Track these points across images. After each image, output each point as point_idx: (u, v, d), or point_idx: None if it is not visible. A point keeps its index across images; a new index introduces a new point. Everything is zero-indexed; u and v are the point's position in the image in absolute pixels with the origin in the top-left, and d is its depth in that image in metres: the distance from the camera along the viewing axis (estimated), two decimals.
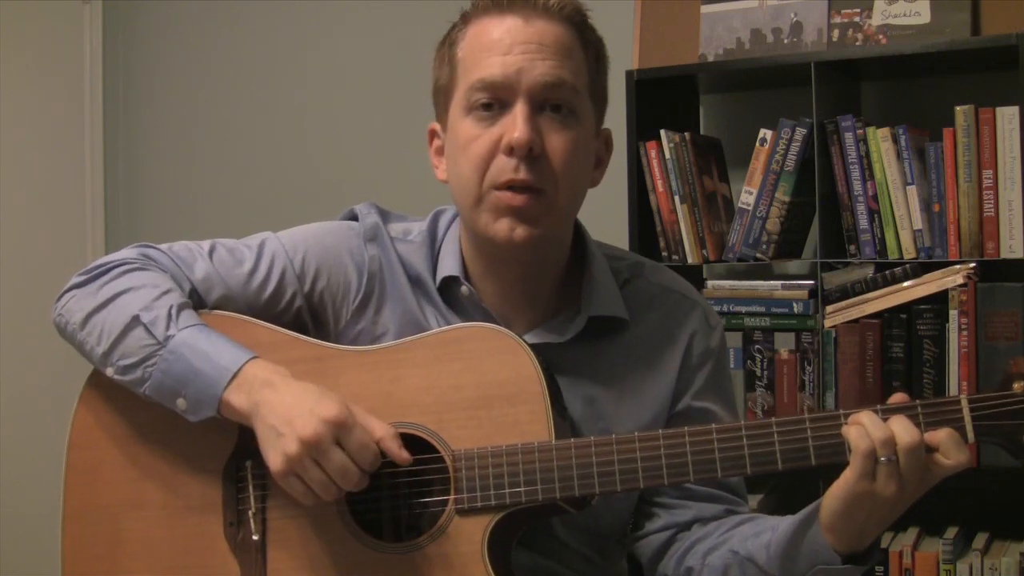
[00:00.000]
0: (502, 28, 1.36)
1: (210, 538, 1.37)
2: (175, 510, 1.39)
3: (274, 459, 1.27)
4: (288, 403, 1.28)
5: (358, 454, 1.26)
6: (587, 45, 1.40)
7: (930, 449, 1.19)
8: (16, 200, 3.32)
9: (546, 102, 1.35)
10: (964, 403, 1.21)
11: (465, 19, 1.41)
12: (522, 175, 1.33)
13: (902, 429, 1.18)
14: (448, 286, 1.44)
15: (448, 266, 1.44)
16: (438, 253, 1.47)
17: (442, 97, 1.43)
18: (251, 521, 1.35)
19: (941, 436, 1.19)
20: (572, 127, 1.37)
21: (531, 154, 1.33)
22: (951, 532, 2.27)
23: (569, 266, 1.47)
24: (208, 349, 1.34)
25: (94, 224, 3.46)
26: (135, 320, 1.36)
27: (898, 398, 1.24)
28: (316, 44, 3.25)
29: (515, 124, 1.33)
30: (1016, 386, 1.20)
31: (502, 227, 1.35)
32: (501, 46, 1.35)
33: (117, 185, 3.50)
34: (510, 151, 1.33)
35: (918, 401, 1.22)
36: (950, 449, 1.18)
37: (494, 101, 1.35)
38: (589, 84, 1.40)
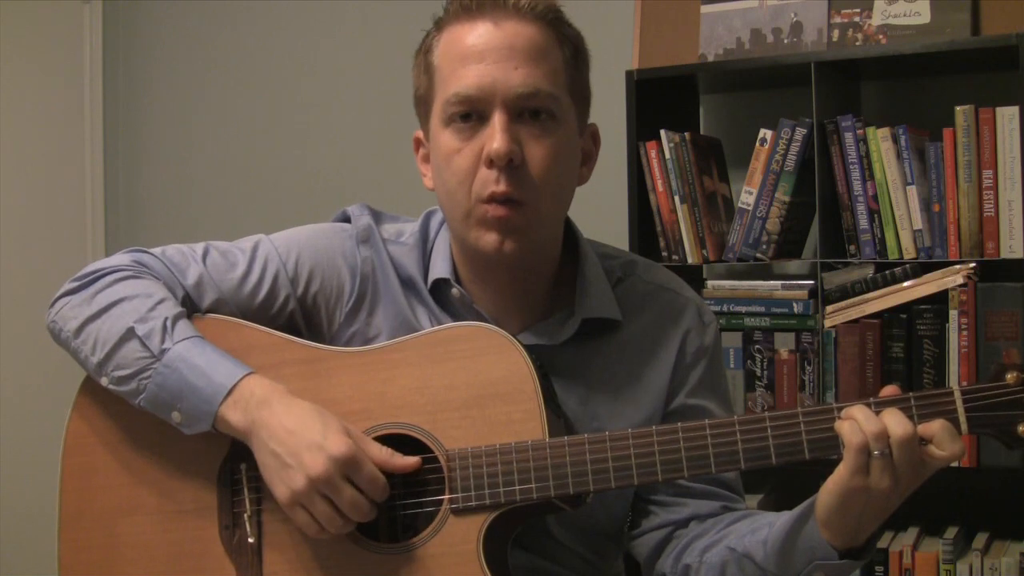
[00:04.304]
0: (474, 35, 1.34)
1: (206, 542, 1.37)
2: (170, 514, 1.39)
3: (281, 491, 1.28)
4: (290, 429, 1.28)
5: (369, 488, 1.27)
6: (563, 42, 1.38)
7: (924, 441, 1.18)
8: (16, 200, 3.31)
9: (524, 110, 1.34)
10: (957, 395, 1.21)
11: (438, 26, 1.40)
12: (502, 187, 1.32)
13: (895, 422, 1.17)
14: (440, 288, 1.44)
15: (439, 268, 1.43)
16: (429, 255, 1.46)
17: (422, 106, 1.42)
18: (246, 524, 1.35)
19: (935, 428, 1.18)
20: (553, 132, 1.35)
21: (511, 164, 1.32)
22: (951, 532, 2.26)
23: (561, 266, 1.46)
24: (203, 364, 1.33)
25: (94, 224, 3.45)
26: (130, 332, 1.36)
27: (891, 390, 1.23)
28: (316, 44, 3.25)
29: (493, 135, 1.31)
30: (1009, 377, 1.20)
31: (491, 240, 1.34)
32: (473, 54, 1.33)
33: (117, 185, 3.50)
34: (490, 163, 1.32)
35: (911, 393, 1.22)
36: (944, 440, 1.18)
37: (472, 112, 1.34)
38: (568, 83, 1.38)
